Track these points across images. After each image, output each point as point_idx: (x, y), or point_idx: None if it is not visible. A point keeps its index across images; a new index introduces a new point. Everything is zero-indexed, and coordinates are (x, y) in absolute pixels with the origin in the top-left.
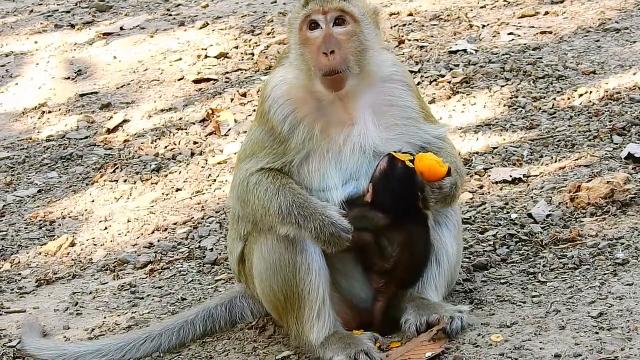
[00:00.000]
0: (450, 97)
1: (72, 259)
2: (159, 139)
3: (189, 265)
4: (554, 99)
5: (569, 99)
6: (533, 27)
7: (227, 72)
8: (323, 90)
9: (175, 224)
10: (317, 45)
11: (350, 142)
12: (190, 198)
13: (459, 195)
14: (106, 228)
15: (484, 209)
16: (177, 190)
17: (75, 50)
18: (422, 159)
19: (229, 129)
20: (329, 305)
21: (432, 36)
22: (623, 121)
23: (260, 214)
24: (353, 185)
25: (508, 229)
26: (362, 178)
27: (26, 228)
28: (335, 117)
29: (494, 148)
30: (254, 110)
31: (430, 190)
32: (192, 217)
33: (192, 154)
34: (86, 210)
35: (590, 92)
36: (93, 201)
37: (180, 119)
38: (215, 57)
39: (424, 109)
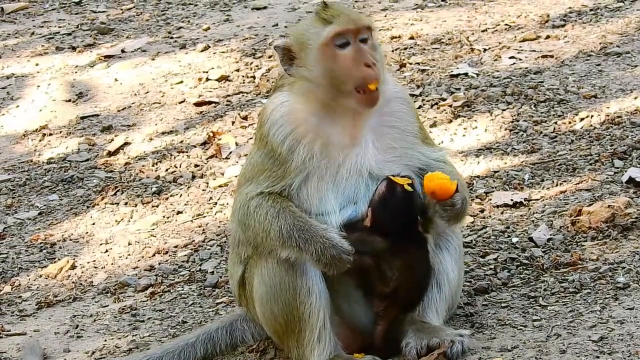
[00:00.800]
0: (451, 121)
1: (73, 282)
2: (160, 161)
3: (190, 288)
4: (555, 122)
5: (570, 123)
6: (534, 50)
7: (229, 95)
8: (353, 106)
9: (176, 247)
10: (353, 60)
11: (348, 163)
12: (192, 221)
13: (468, 210)
14: (107, 251)
15: (485, 232)
16: (178, 213)
17: (76, 72)
18: (432, 179)
19: (230, 152)
20: (330, 329)
21: (434, 60)
22: (624, 145)
23: (261, 238)
24: (351, 209)
25: (509, 253)
26: (360, 202)
27: (27, 250)
28: (336, 136)
29: (495, 172)
30: (255, 133)
31: (442, 209)
32: (193, 240)
33: (193, 177)
34: (87, 233)
35: (592, 116)
36: (94, 224)
37: (182, 141)
38: (216, 80)
39: (423, 131)
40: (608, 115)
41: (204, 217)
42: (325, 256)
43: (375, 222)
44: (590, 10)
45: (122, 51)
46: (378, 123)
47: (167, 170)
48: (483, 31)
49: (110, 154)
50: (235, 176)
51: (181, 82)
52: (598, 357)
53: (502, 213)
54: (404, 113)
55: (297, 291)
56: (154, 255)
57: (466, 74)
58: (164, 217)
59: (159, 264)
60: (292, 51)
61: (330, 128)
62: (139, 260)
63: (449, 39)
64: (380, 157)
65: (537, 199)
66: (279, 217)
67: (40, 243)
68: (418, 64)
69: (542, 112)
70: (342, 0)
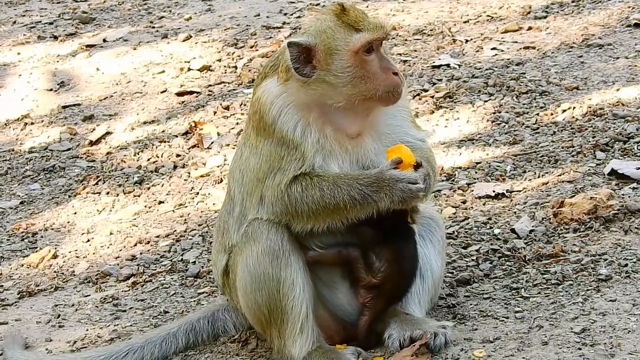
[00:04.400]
0: (433, 112)
1: (55, 271)
2: (142, 151)
3: (172, 278)
4: (537, 114)
5: (552, 114)
6: (516, 42)
7: (210, 85)
8: (377, 105)
9: (157, 236)
10: (380, 67)
11: (353, 153)
12: (173, 211)
13: (430, 191)
14: (89, 240)
15: (467, 224)
16: (160, 203)
17: (58, 62)
18: (393, 150)
19: (212, 142)
20: (312, 321)
21: (416, 51)
22: (606, 137)
23: (321, 216)
24: None
25: (491, 244)
26: None
27: (8, 240)
28: (343, 124)
29: (477, 163)
30: (237, 123)
31: None
32: (175, 230)
33: (175, 167)
34: (68, 222)
35: (574, 107)
36: (75, 213)
37: (163, 131)
38: (198, 70)
39: (411, 116)
40: (590, 107)
41: (186, 207)
42: (396, 194)
43: None
44: (572, 1)
45: (104, 40)
46: (375, 112)
47: (148, 160)
48: (465, 22)
49: (91, 143)
50: (217, 166)
51: (163, 71)
52: (580, 348)
53: (484, 204)
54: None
55: (281, 283)
56: (135, 245)
57: (448, 65)
58: (145, 206)
59: (141, 253)
60: (311, 52)
61: (337, 116)
62: (120, 250)
63: (431, 30)
64: (377, 145)
65: (519, 191)
66: (338, 185)
67: (22, 232)
68: (400, 54)
69: (524, 104)
70: None
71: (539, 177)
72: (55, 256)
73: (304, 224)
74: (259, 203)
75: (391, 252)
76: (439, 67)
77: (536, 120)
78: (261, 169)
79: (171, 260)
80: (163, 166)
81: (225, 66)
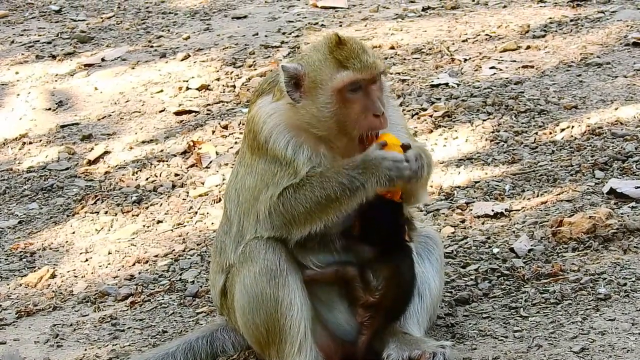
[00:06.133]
0: (432, 131)
1: (53, 291)
2: (140, 170)
3: (170, 298)
4: (536, 133)
5: (550, 133)
6: (515, 61)
7: (209, 104)
8: (351, 147)
9: (156, 256)
10: (363, 107)
11: None
12: (172, 230)
13: (424, 170)
14: (87, 260)
15: (466, 243)
16: (158, 222)
17: (56, 81)
18: (381, 136)
19: (211, 161)
20: (311, 340)
21: (414, 70)
22: (605, 156)
23: (316, 214)
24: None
25: (490, 264)
26: None
27: (6, 259)
28: (336, 146)
29: (476, 182)
30: (236, 142)
31: None
32: (173, 250)
33: (173, 186)
34: (67, 241)
35: (572, 126)
36: (74, 233)
37: (162, 151)
38: (196, 89)
39: (408, 130)
40: (589, 126)
41: (184, 226)
42: (383, 172)
43: (363, 231)
44: (571, 20)
45: (102, 60)
46: None
47: (147, 179)
48: (463, 41)
49: (90, 162)
50: (216, 185)
51: (161, 91)
52: None
53: (483, 223)
54: (395, 111)
55: (279, 303)
56: (134, 264)
57: (447, 84)
58: (144, 226)
59: (139, 273)
60: (300, 79)
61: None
62: (119, 270)
63: (430, 49)
64: None
65: (518, 210)
66: (326, 176)
67: (20, 252)
68: (398, 73)
69: (522, 123)
70: (323, 10)
71: (537, 196)
72: (53, 276)
73: (302, 228)
74: (256, 221)
75: (388, 270)
76: (437, 86)
77: (535, 139)
78: (257, 187)
79: (170, 280)
80: (161, 185)
81: (223, 85)
